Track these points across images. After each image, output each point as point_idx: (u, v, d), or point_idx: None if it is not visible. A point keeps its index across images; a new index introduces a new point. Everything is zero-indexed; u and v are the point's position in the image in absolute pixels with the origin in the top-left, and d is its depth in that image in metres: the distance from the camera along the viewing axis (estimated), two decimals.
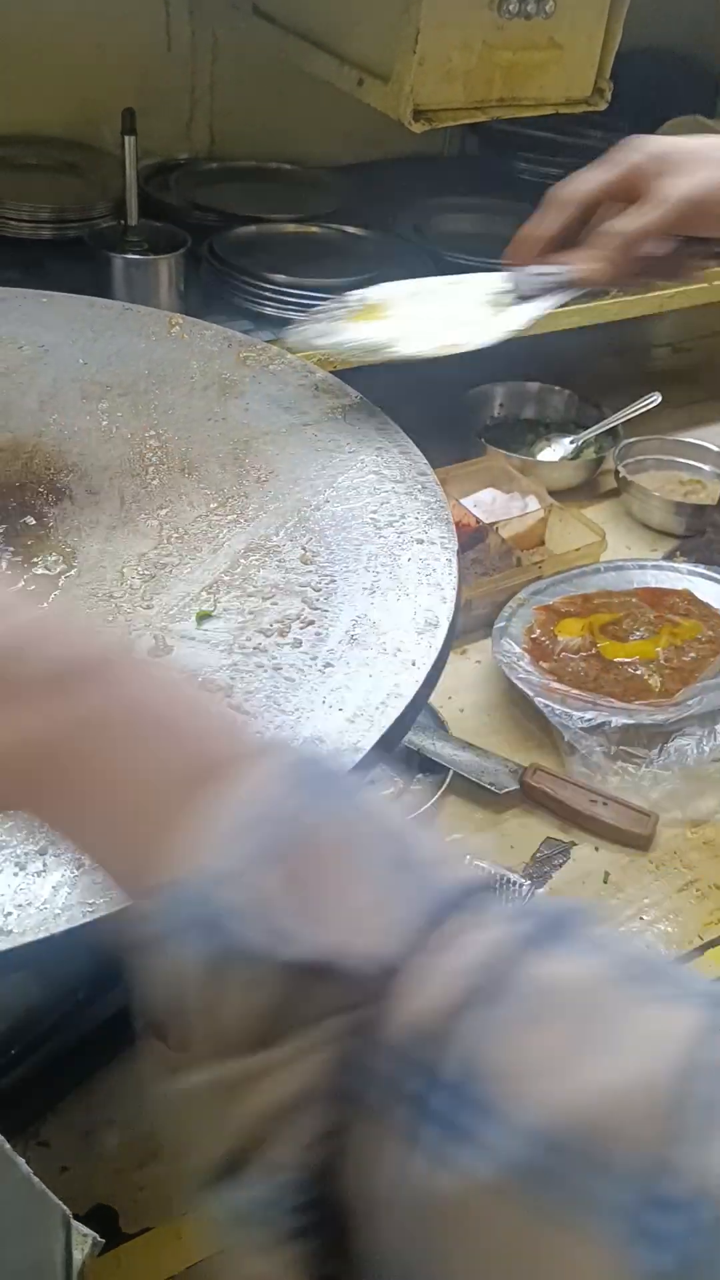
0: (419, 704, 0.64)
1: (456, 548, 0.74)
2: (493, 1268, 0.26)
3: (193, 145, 1.59)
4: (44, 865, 0.52)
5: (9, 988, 0.70)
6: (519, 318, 0.84)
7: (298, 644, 0.67)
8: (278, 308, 1.28)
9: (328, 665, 0.66)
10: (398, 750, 0.68)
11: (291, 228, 1.41)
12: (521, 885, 1.02)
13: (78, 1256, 0.45)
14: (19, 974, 0.52)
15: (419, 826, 0.35)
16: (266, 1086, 0.29)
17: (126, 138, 1.15)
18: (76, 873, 0.52)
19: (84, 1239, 0.45)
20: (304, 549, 0.75)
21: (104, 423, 0.87)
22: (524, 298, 0.84)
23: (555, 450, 1.57)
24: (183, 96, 1.56)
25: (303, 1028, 0.29)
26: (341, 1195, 0.29)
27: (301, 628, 0.69)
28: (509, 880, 1.03)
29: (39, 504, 0.78)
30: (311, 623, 0.69)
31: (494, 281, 0.87)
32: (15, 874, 0.51)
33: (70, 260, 1.32)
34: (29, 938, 0.48)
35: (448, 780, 1.08)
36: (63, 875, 0.51)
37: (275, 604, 0.71)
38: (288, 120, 1.61)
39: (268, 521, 0.78)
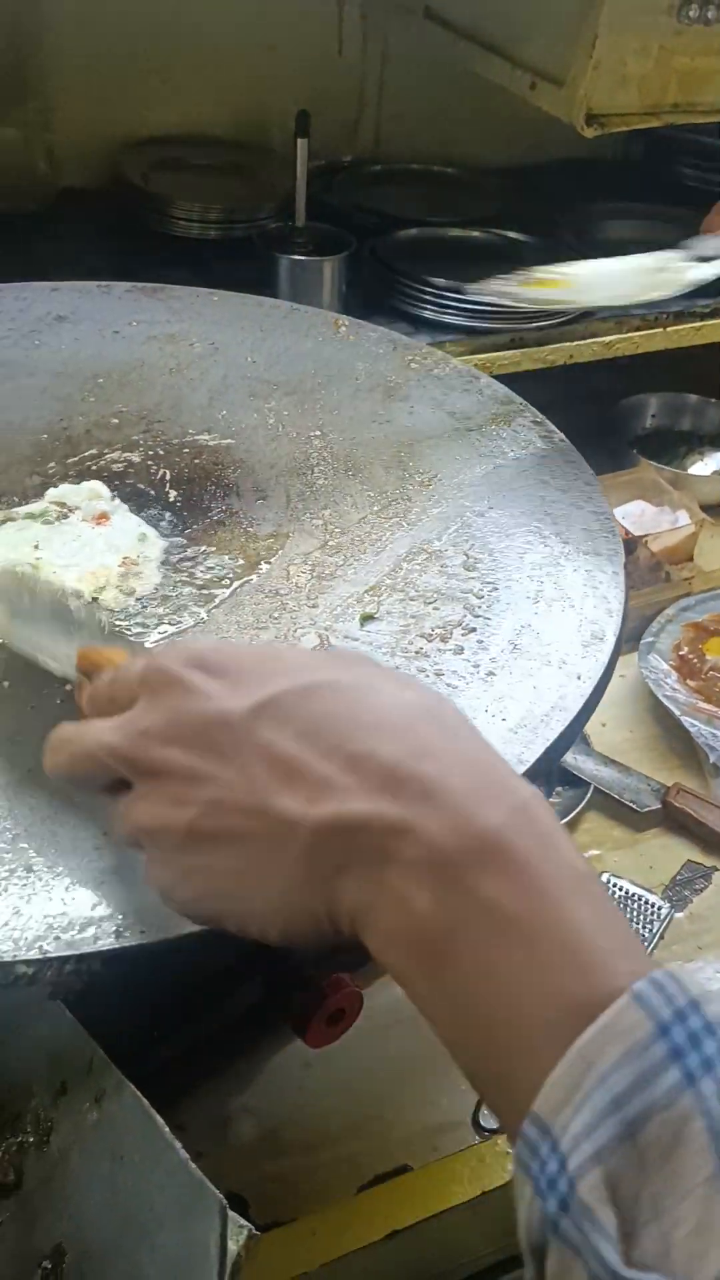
0: (583, 719, 0.63)
1: (624, 560, 0.73)
2: None
3: (357, 147, 1.61)
4: None
5: (159, 972, 0.71)
6: (704, 272, 0.84)
7: (459, 651, 0.67)
8: (436, 311, 1.28)
9: (490, 674, 0.65)
10: None
11: (453, 231, 1.41)
12: (660, 908, 1.00)
13: (232, 1247, 0.45)
14: (175, 958, 0.53)
15: None
16: None
17: (299, 140, 1.17)
18: None
19: (240, 1230, 0.45)
20: (466, 555, 0.75)
21: (271, 420, 0.88)
22: (705, 259, 0.83)
23: (708, 464, 1.54)
24: (350, 99, 1.58)
25: None
26: None
27: (464, 634, 0.68)
28: (646, 901, 1.01)
29: (207, 499, 0.80)
30: (474, 630, 0.69)
31: (671, 254, 0.86)
32: None
33: (234, 259, 1.34)
34: (192, 927, 0.49)
35: (588, 795, 1.07)
36: None
37: (437, 609, 0.70)
38: (451, 123, 1.61)
39: (430, 526, 0.78)
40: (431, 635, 0.68)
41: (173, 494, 0.80)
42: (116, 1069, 0.51)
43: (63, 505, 0.77)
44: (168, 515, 0.78)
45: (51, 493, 0.78)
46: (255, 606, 0.70)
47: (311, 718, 0.37)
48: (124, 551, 0.73)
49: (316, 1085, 0.82)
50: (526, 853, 0.34)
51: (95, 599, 0.70)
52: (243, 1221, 0.46)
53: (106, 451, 0.83)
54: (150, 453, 0.84)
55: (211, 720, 0.38)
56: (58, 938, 0.48)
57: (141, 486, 0.80)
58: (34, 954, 0.47)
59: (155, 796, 0.39)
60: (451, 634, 0.68)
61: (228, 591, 0.71)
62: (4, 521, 0.75)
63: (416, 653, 0.67)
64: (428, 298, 1.26)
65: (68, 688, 0.58)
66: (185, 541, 0.76)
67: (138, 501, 0.79)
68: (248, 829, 0.37)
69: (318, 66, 1.53)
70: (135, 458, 0.83)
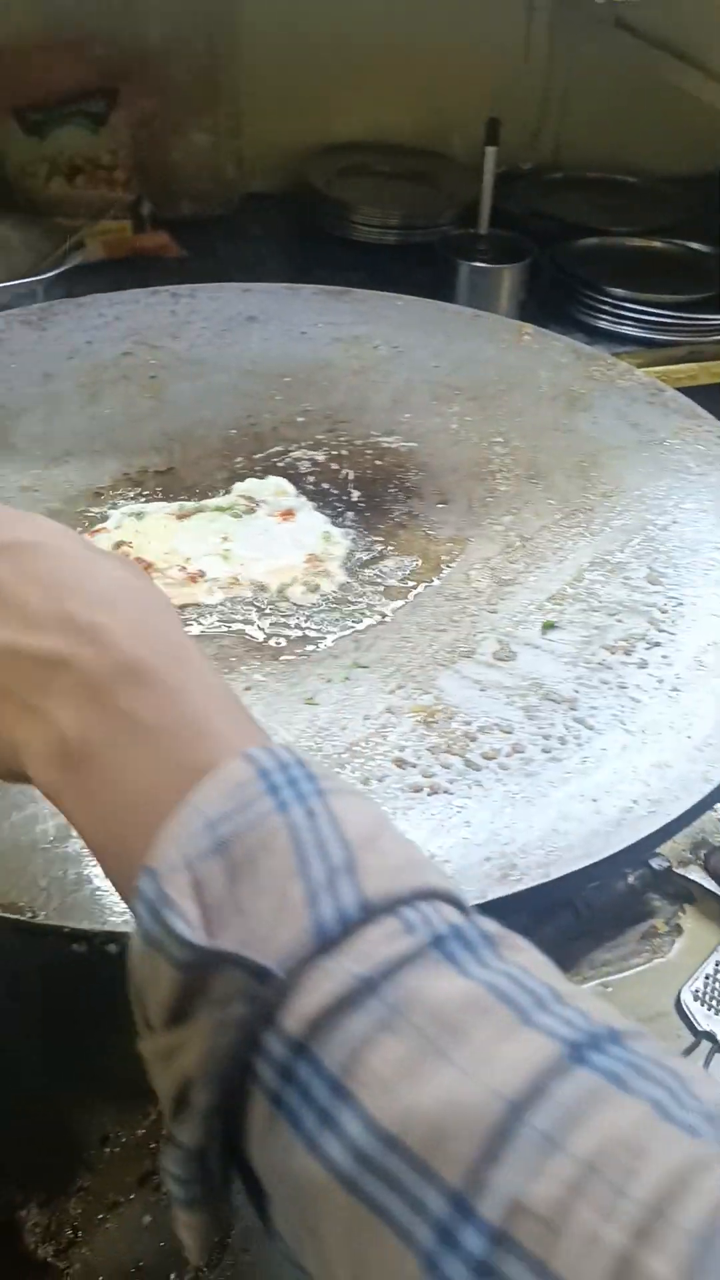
0: None
1: None
2: (342, 1255, 0.29)
3: (538, 155, 1.60)
4: None
5: None
6: None
7: (643, 664, 0.66)
8: (613, 321, 1.27)
9: (675, 690, 0.64)
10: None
11: (633, 241, 1.39)
12: None
13: None
14: None
15: (374, 818, 0.35)
16: (179, 1058, 0.31)
17: (488, 147, 1.17)
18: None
19: None
20: (650, 568, 0.74)
21: (453, 425, 0.88)
22: None
23: None
24: (533, 107, 1.58)
25: (210, 1008, 0.31)
26: (250, 1166, 0.31)
27: (647, 648, 0.68)
28: None
29: (388, 501, 0.81)
30: (658, 644, 0.68)
31: None
32: None
33: (412, 264, 1.36)
34: None
35: None
36: None
37: (620, 621, 0.70)
38: (635, 131, 1.59)
39: (613, 537, 0.77)
40: (615, 647, 0.68)
41: (355, 494, 0.81)
42: None
43: (250, 500, 0.79)
44: (350, 515, 0.79)
45: (239, 487, 0.80)
46: (435, 609, 0.71)
47: (38, 566, 0.40)
48: (309, 549, 0.75)
49: None
50: (167, 675, 0.37)
51: (150, 565, 0.72)
52: None
53: (292, 449, 0.85)
54: (334, 452, 0.85)
55: None
56: None
57: (325, 485, 0.82)
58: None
59: None
60: (635, 647, 0.68)
61: (408, 593, 0.72)
62: (194, 513, 0.77)
63: (599, 664, 0.66)
64: (605, 307, 1.25)
65: None
66: (367, 542, 0.77)
67: (322, 500, 0.80)
68: None
69: (502, 74, 1.53)
70: (320, 456, 0.85)
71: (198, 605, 0.71)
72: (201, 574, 0.72)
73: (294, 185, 1.50)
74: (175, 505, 0.78)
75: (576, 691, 0.64)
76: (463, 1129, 0.27)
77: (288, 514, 0.78)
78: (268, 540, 0.75)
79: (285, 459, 0.85)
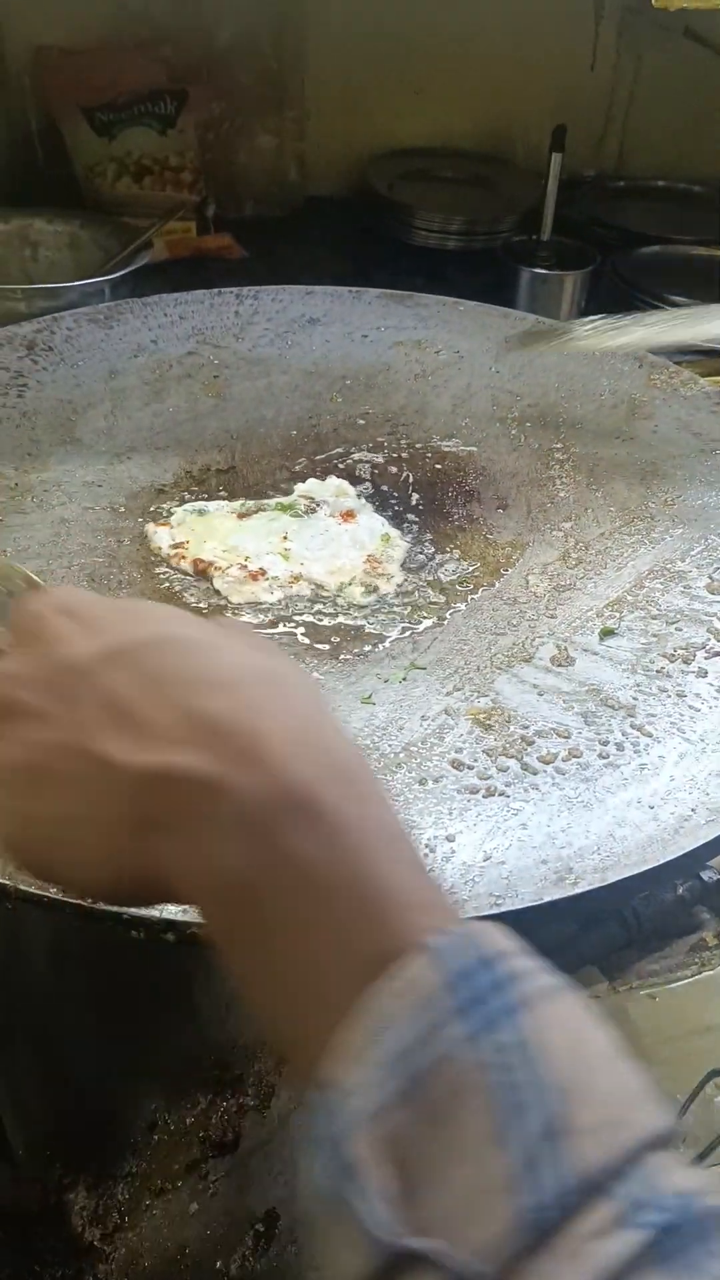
0: None
1: None
2: None
3: (601, 162, 1.60)
4: (452, 850, 0.54)
5: None
6: None
7: (703, 674, 0.66)
8: None
9: None
10: None
11: (697, 250, 1.38)
12: None
13: None
14: None
15: (592, 1048, 0.31)
16: None
17: (553, 154, 1.17)
18: (484, 862, 0.53)
19: None
20: (710, 578, 0.74)
21: (513, 431, 0.88)
22: None
23: None
24: (598, 115, 1.57)
25: None
26: None
27: (707, 658, 0.67)
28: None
29: (448, 504, 0.81)
30: (719, 654, 0.67)
31: None
32: (426, 854, 0.53)
33: (472, 270, 1.35)
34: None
35: None
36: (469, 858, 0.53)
37: (680, 630, 0.69)
38: (699, 140, 1.58)
39: (673, 546, 0.77)
40: (674, 656, 0.67)
41: (415, 497, 0.82)
42: None
43: (311, 500, 0.79)
44: (410, 517, 0.80)
45: (300, 487, 0.81)
46: (494, 613, 0.71)
47: (155, 668, 0.37)
48: (369, 550, 0.75)
49: None
50: (334, 807, 0.33)
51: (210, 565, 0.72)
52: None
53: (352, 451, 0.86)
54: (394, 455, 0.86)
55: (62, 664, 0.38)
56: None
57: (385, 488, 0.82)
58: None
59: (7, 738, 0.38)
60: (695, 656, 0.67)
61: (467, 596, 0.72)
62: (256, 511, 0.78)
63: (658, 672, 0.66)
64: None
65: None
66: (426, 544, 0.77)
67: (381, 501, 0.81)
68: (72, 771, 0.36)
69: (567, 82, 1.53)
70: (379, 459, 0.85)
71: (258, 603, 0.71)
72: (263, 572, 0.72)
73: (356, 189, 1.51)
74: (237, 504, 0.79)
75: (635, 698, 0.64)
76: None
77: (348, 515, 0.78)
78: (327, 540, 0.76)
79: (346, 460, 0.85)
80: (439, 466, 0.85)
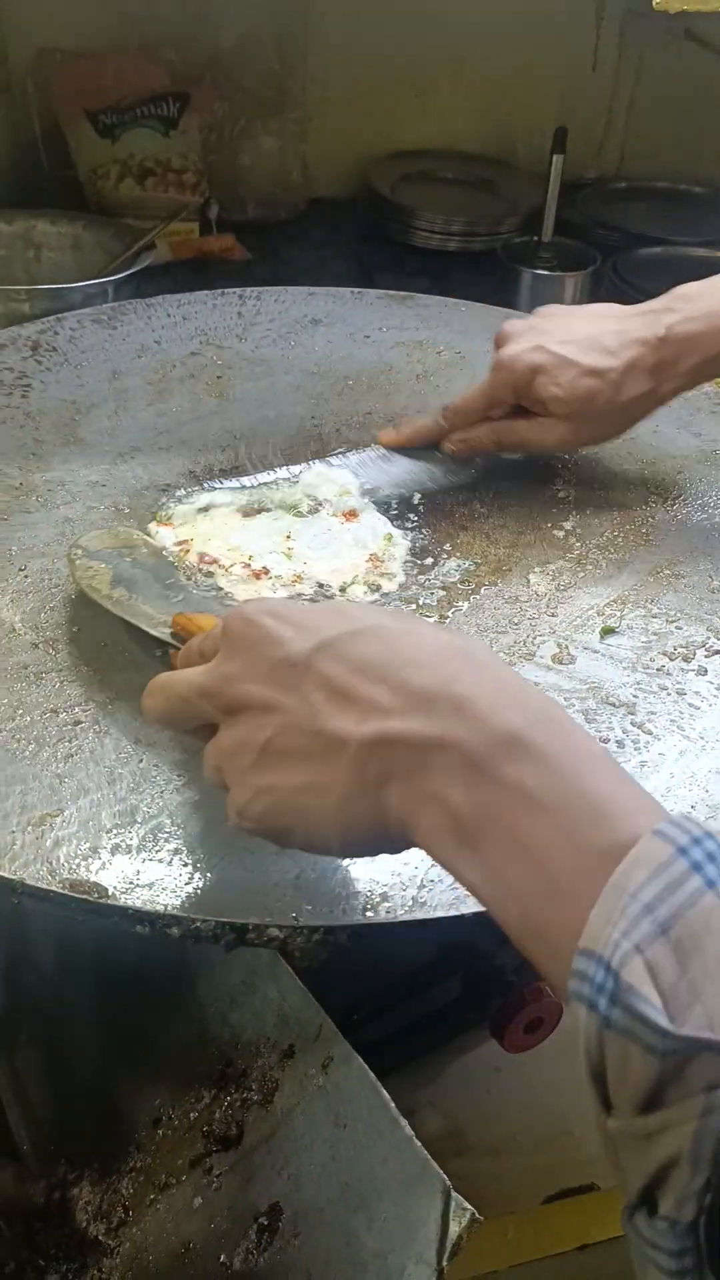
0: None
1: None
2: None
3: (602, 164, 1.60)
4: None
5: (387, 953, 0.73)
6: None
7: (703, 672, 0.67)
8: None
9: None
10: None
11: (697, 251, 1.39)
12: None
13: (455, 1228, 0.46)
14: (408, 935, 0.55)
15: None
16: (661, 1141, 0.32)
17: (555, 156, 1.18)
18: None
19: (463, 1212, 0.46)
20: (711, 577, 0.74)
21: None
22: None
23: None
24: (599, 117, 1.58)
25: (693, 1094, 0.31)
26: None
27: (707, 656, 0.68)
28: None
29: (449, 503, 0.81)
30: (718, 652, 0.68)
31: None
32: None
33: (474, 271, 1.36)
34: (440, 914, 0.51)
35: None
36: None
37: (680, 628, 0.70)
38: (699, 142, 1.59)
39: (674, 545, 0.77)
40: (674, 654, 0.68)
41: (416, 496, 0.82)
42: (345, 1039, 0.53)
43: (314, 499, 0.80)
44: (411, 516, 0.80)
45: (303, 484, 0.81)
46: (495, 611, 0.71)
47: (361, 655, 0.43)
48: (371, 549, 0.76)
49: (505, 1091, 0.82)
50: (544, 743, 0.38)
51: (215, 560, 0.73)
52: (466, 1204, 0.47)
53: (354, 450, 0.86)
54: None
55: (281, 660, 0.44)
56: (307, 908, 0.51)
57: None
58: (287, 921, 0.50)
59: (236, 727, 0.45)
60: (694, 654, 0.68)
61: (468, 595, 0.73)
62: (259, 511, 0.79)
63: (658, 670, 0.66)
64: None
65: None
66: (428, 543, 0.77)
67: (383, 500, 0.81)
68: (307, 748, 0.42)
69: (569, 84, 1.54)
70: None
71: None
72: (266, 571, 0.73)
73: (358, 190, 1.52)
74: (240, 500, 0.79)
75: (635, 696, 0.65)
76: None
77: (350, 514, 0.79)
78: (330, 540, 0.76)
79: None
80: None
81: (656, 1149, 0.32)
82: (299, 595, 0.72)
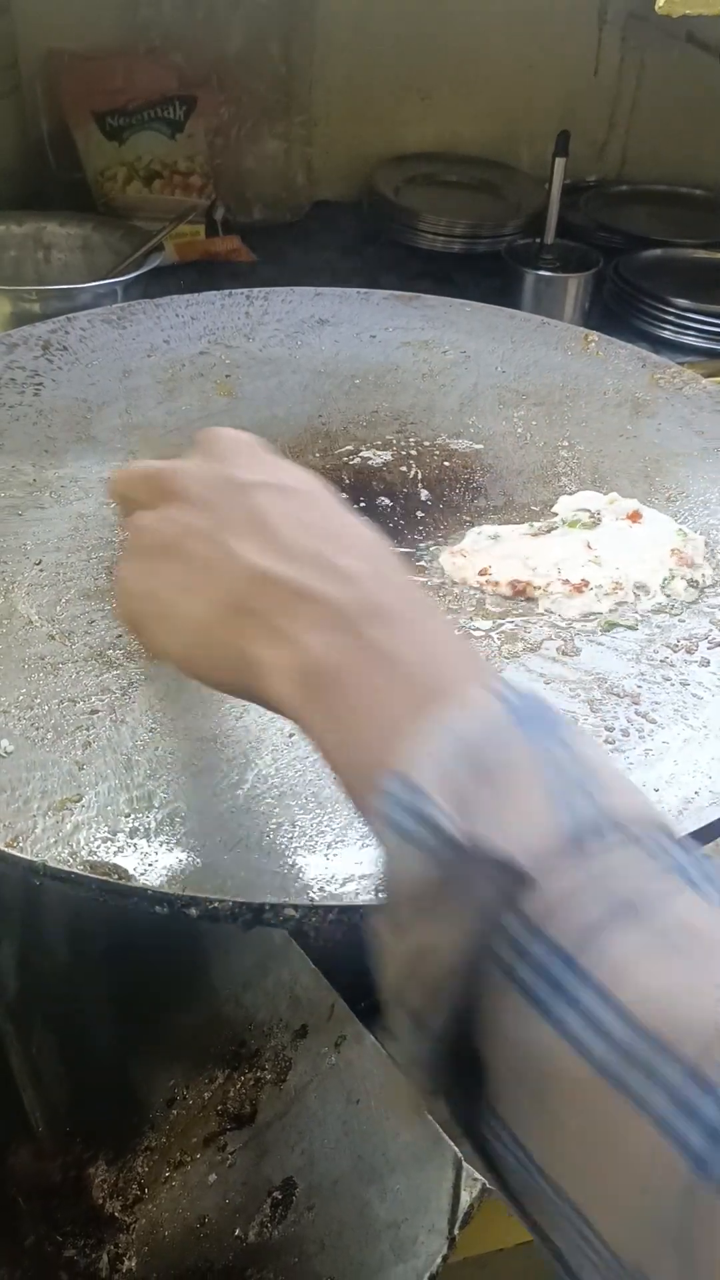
0: None
1: None
2: (580, 1141, 0.30)
3: (604, 167, 1.62)
4: None
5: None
6: None
7: (705, 663, 0.68)
8: (676, 332, 1.28)
9: None
10: None
11: (698, 253, 1.41)
12: None
13: (466, 1198, 0.48)
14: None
15: (613, 766, 0.37)
16: (432, 952, 0.33)
17: (558, 159, 1.19)
18: None
19: (474, 1182, 0.47)
20: (714, 571, 0.76)
21: (519, 429, 0.90)
22: None
23: None
24: (601, 120, 1.59)
25: (467, 901, 0.33)
26: (476, 1050, 0.33)
27: (710, 648, 0.69)
28: None
29: (457, 499, 0.83)
30: None
31: None
32: None
33: (477, 273, 1.38)
34: None
35: None
36: None
37: (683, 621, 0.71)
38: (701, 145, 1.60)
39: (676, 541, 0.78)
40: (677, 646, 0.69)
41: (424, 493, 0.83)
42: (357, 1019, 0.55)
43: (587, 510, 0.79)
44: (418, 514, 0.81)
45: (565, 501, 0.80)
46: (500, 606, 0.73)
47: (296, 509, 0.45)
48: (670, 544, 0.75)
49: None
50: (410, 615, 0.41)
51: (528, 584, 0.73)
52: (477, 1175, 0.48)
53: (361, 448, 0.88)
54: (402, 452, 0.88)
55: (230, 477, 0.47)
56: (322, 889, 0.52)
57: (395, 483, 0.84)
58: (303, 900, 0.51)
59: (162, 511, 0.47)
60: (697, 646, 0.69)
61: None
62: (547, 532, 0.78)
63: (661, 661, 0.68)
64: (669, 318, 1.26)
65: None
66: (429, 542, 0.79)
67: (391, 497, 0.82)
68: (206, 555, 0.44)
69: (571, 87, 1.55)
70: (388, 456, 0.87)
71: (590, 613, 0.72)
72: (586, 583, 0.72)
73: (363, 193, 1.53)
74: (526, 525, 0.79)
75: (639, 687, 0.66)
76: (696, 1012, 0.29)
77: (635, 515, 0.78)
78: (630, 543, 0.75)
79: (355, 458, 0.87)
80: (447, 464, 0.87)
81: (429, 961, 0.33)
82: (621, 604, 0.72)
